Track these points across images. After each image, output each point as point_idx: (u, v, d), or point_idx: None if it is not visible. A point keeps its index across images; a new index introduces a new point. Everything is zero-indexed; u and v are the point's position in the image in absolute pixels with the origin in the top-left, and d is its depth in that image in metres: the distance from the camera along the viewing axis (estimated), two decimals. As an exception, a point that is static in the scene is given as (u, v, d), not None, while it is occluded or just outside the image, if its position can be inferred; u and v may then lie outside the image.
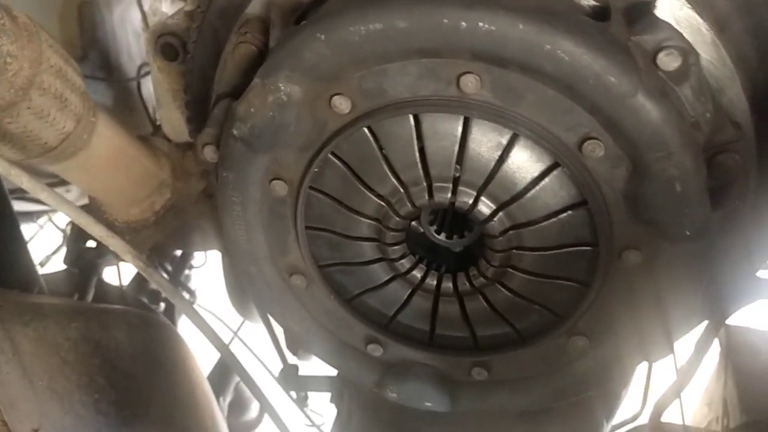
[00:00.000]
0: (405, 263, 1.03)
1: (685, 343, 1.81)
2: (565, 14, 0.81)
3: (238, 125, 0.92)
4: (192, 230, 1.69)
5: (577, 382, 1.07)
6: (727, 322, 1.81)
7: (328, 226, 1.02)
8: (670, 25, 0.83)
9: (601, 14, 0.84)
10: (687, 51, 0.81)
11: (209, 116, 1.02)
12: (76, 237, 1.85)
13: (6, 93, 1.04)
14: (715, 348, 2.05)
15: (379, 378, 1.15)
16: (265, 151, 0.95)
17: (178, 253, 2.47)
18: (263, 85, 0.89)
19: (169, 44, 1.24)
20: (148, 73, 2.17)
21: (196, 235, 1.69)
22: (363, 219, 0.99)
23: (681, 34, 0.83)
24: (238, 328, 2.56)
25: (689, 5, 0.88)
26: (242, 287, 2.44)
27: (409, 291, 1.05)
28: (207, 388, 1.81)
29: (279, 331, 1.83)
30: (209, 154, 1.02)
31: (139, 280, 2.25)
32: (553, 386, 1.08)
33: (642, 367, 1.69)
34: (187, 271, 2.57)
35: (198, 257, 2.58)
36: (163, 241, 1.73)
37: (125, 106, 2.08)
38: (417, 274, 1.04)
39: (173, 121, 1.50)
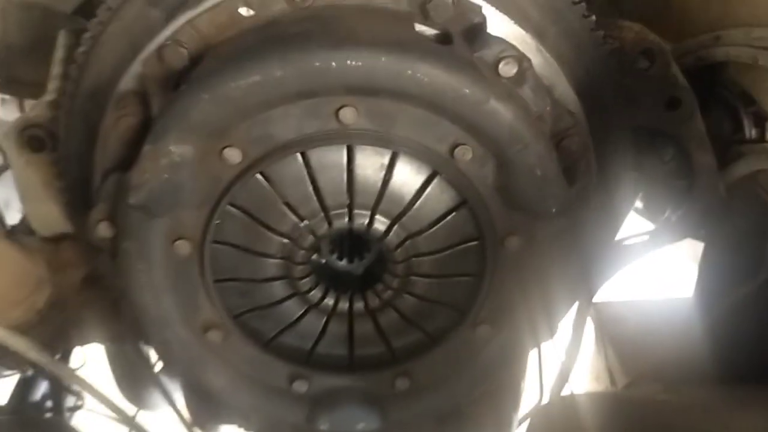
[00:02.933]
0: (316, 293, 1.10)
1: (563, 329, 1.98)
2: (417, 43, 0.93)
3: (134, 193, 0.96)
4: (71, 324, 1.64)
5: (487, 370, 1.17)
6: (594, 300, 2.02)
7: (236, 275, 1.07)
8: (502, 39, 0.98)
9: (444, 39, 0.98)
10: (520, 58, 0.96)
11: (98, 193, 1.04)
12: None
13: None
14: (590, 326, 2.27)
15: (308, 413, 1.19)
16: (164, 214, 0.99)
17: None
18: (155, 150, 0.93)
19: (35, 136, 1.24)
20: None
21: (73, 330, 1.64)
22: (270, 259, 1.04)
23: (513, 45, 0.98)
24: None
25: (512, 20, 1.04)
26: (132, 375, 2.36)
27: (325, 319, 1.11)
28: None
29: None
30: (103, 230, 1.04)
31: (18, 395, 2.13)
32: (468, 378, 1.18)
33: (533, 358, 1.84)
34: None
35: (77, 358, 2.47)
36: (48, 341, 1.66)
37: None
38: (329, 301, 1.11)
39: (43, 215, 1.47)
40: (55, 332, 1.63)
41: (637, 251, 1.69)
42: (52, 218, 1.47)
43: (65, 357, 2.37)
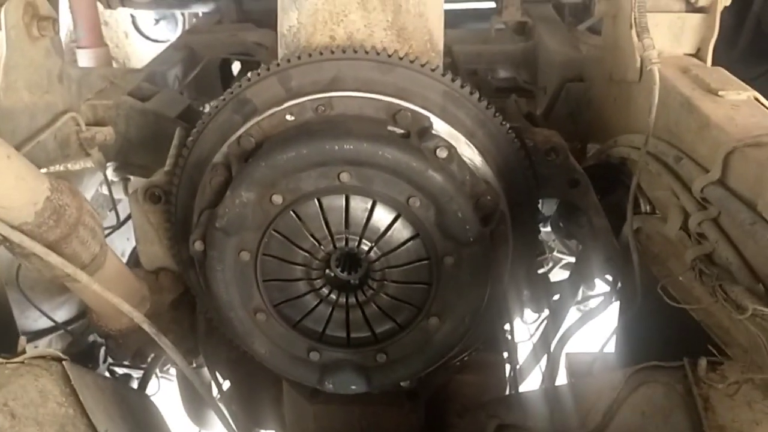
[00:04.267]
0: (325, 290, 1.73)
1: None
2: (386, 137, 1.60)
3: (219, 220, 1.63)
4: (165, 333, 2.29)
5: (438, 350, 1.76)
6: (567, 351, 2.57)
7: (276, 277, 1.71)
8: (440, 136, 1.65)
9: (405, 135, 1.64)
10: (449, 147, 1.62)
11: (196, 224, 1.72)
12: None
13: (64, 228, 1.68)
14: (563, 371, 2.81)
15: (319, 376, 1.79)
16: (235, 234, 1.65)
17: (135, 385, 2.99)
18: (232, 195, 1.61)
19: (154, 193, 1.95)
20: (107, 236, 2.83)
21: (169, 336, 2.29)
22: (297, 267, 1.69)
23: (446, 140, 1.64)
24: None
25: (451, 126, 1.70)
26: (196, 399, 2.98)
27: (330, 309, 1.74)
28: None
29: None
30: (199, 246, 1.70)
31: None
32: (426, 356, 1.77)
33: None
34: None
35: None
36: (144, 346, 2.31)
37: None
38: (333, 296, 1.73)
39: (149, 253, 2.16)
40: (149, 340, 2.29)
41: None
42: (156, 256, 2.16)
43: (143, 384, 3.02)
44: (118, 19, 4.74)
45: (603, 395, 1.55)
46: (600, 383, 1.63)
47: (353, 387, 1.79)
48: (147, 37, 4.76)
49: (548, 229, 2.48)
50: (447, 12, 1.90)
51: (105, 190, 2.79)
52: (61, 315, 2.82)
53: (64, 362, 1.58)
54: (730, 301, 1.23)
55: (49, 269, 1.71)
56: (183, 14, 4.59)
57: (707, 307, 1.44)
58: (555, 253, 3.27)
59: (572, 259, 3.47)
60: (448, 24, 1.91)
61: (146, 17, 4.70)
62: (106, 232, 2.82)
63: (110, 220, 3.00)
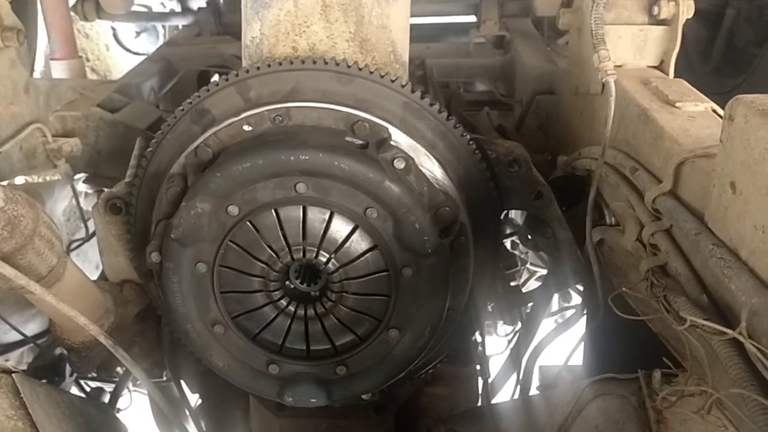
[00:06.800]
0: (283, 302, 1.71)
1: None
2: (343, 147, 1.59)
3: (174, 231, 1.61)
4: (131, 346, 2.27)
5: (399, 363, 1.74)
6: (540, 363, 2.55)
7: (234, 288, 1.69)
8: (398, 147, 1.64)
9: (364, 146, 1.63)
10: (407, 158, 1.61)
11: (153, 234, 1.70)
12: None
13: (19, 239, 1.67)
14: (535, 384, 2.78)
15: (278, 389, 1.77)
16: (191, 245, 1.63)
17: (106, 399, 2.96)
18: (188, 206, 1.60)
19: (115, 204, 1.94)
20: (77, 247, 2.81)
21: (135, 349, 2.27)
22: (255, 278, 1.67)
23: (404, 151, 1.63)
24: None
25: (410, 137, 1.69)
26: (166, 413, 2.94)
27: (290, 320, 1.72)
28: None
29: None
30: (155, 257, 1.69)
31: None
32: (386, 369, 1.75)
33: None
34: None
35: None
36: (109, 360, 2.29)
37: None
38: (292, 308, 1.72)
39: (113, 265, 2.15)
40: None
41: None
42: (120, 267, 2.14)
43: (113, 401, 2.99)
44: (99, 31, 4.75)
45: (560, 408, 1.54)
46: (558, 396, 1.62)
47: (313, 400, 1.77)
48: (128, 50, 4.77)
49: (522, 241, 2.48)
50: (427, 26, 1.91)
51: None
52: (33, 328, 2.79)
53: (14, 375, 1.56)
54: (673, 311, 1.22)
55: (4, 281, 1.69)
56: (164, 27, 4.60)
57: (662, 318, 1.43)
58: (529, 266, 3.27)
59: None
60: (428, 38, 1.91)
61: (127, 30, 4.71)
62: (76, 243, 2.80)
63: (84, 232, 2.98)
